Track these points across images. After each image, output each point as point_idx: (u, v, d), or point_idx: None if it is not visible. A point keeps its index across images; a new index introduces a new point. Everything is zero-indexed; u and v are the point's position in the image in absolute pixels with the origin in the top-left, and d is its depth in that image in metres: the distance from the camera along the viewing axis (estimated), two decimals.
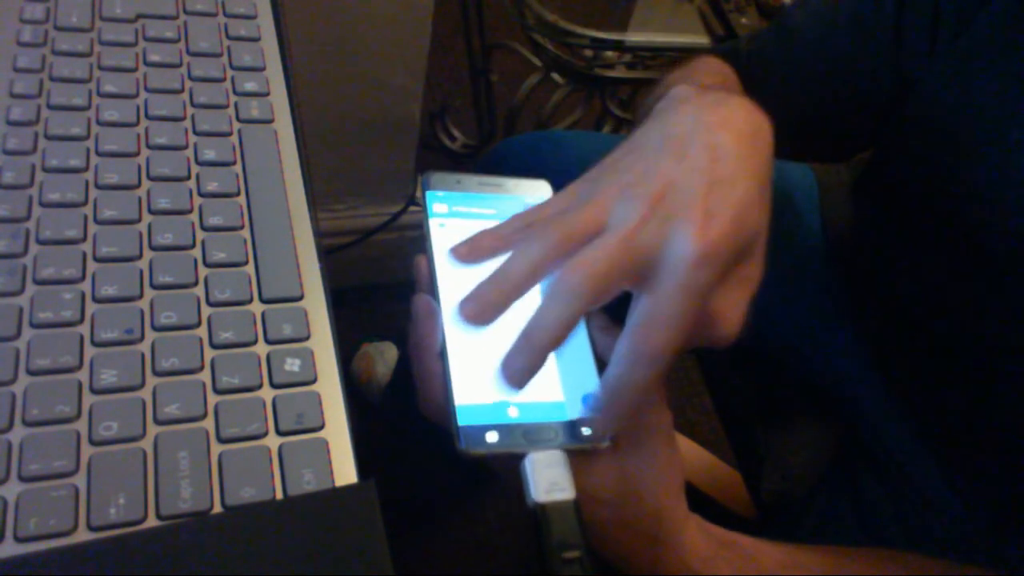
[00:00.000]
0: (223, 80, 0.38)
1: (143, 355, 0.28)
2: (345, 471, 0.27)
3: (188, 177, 0.34)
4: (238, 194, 0.34)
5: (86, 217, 0.31)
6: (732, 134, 0.29)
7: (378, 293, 1.08)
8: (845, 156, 0.59)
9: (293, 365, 0.29)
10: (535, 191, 0.37)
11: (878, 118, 0.47)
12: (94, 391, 0.26)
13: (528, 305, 0.28)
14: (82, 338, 0.27)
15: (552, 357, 0.30)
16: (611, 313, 0.34)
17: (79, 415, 0.26)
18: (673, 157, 0.28)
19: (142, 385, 0.27)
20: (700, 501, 0.82)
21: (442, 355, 0.30)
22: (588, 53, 0.90)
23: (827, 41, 0.47)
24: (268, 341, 0.29)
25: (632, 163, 0.29)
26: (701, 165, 0.28)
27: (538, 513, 0.27)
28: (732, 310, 0.28)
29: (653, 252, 0.27)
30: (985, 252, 0.41)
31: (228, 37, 0.40)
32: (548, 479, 0.28)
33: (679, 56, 0.89)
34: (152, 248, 0.31)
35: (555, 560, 0.26)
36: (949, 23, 0.41)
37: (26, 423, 0.25)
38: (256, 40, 0.40)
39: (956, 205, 0.42)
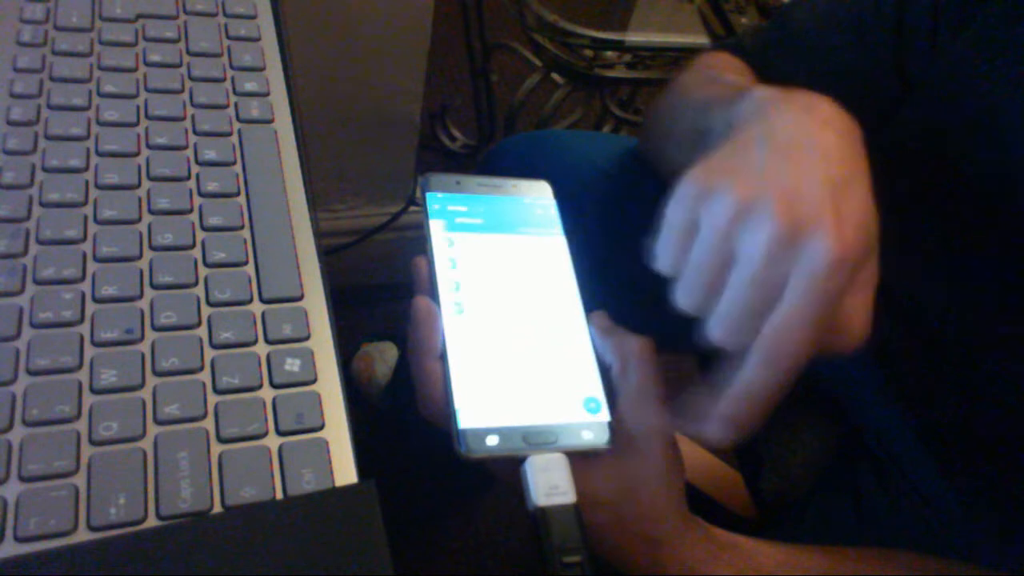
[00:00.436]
0: (223, 80, 0.38)
1: (143, 355, 0.28)
2: (345, 471, 0.27)
3: (188, 177, 0.34)
4: (238, 194, 0.34)
5: (86, 217, 0.31)
6: (836, 134, 0.28)
7: (378, 293, 1.08)
8: None
9: (293, 365, 0.29)
10: (534, 192, 0.37)
11: (878, 118, 0.47)
12: (94, 391, 0.26)
13: (528, 302, 0.28)
14: (82, 338, 0.27)
15: (552, 357, 0.30)
16: (612, 315, 0.34)
17: (79, 415, 0.26)
18: (791, 162, 0.27)
19: (142, 385, 0.27)
20: (700, 501, 0.82)
21: (442, 357, 0.30)
22: (588, 53, 0.90)
23: (827, 41, 0.47)
24: (268, 341, 0.29)
25: (749, 172, 0.27)
26: (820, 168, 0.27)
27: (538, 517, 0.27)
28: (858, 314, 0.27)
29: (790, 264, 0.26)
30: (986, 251, 0.41)
31: (228, 37, 0.40)
32: (548, 483, 0.28)
33: (679, 56, 0.89)
34: (152, 248, 0.31)
35: (556, 564, 0.26)
36: (949, 22, 0.41)
37: (26, 423, 0.25)
38: (256, 40, 0.40)
39: (956, 204, 0.42)
